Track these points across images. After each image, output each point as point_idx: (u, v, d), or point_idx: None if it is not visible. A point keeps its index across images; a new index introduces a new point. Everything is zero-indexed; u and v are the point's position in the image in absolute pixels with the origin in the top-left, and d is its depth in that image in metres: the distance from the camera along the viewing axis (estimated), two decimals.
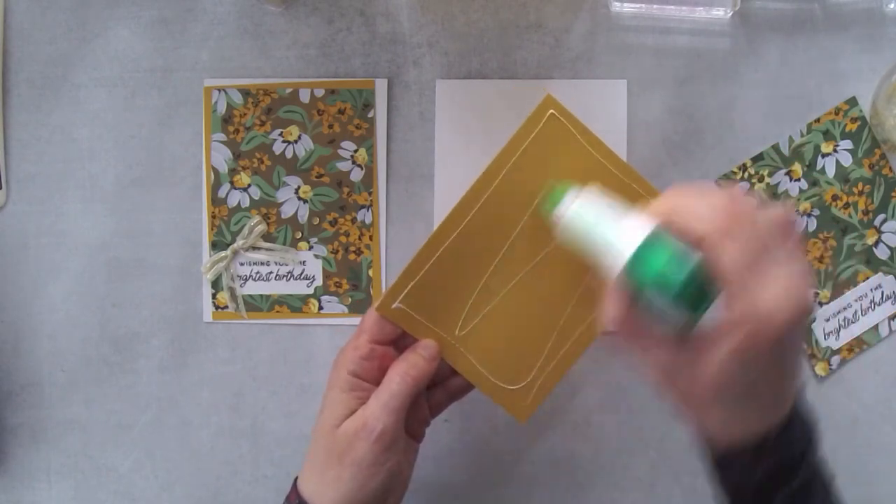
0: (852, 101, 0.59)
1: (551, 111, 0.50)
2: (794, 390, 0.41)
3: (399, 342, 0.50)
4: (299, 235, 0.60)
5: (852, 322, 0.59)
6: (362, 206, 0.60)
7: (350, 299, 0.60)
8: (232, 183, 0.60)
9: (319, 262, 0.60)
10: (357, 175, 0.60)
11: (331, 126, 0.60)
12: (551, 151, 0.50)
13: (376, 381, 0.47)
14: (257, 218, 0.60)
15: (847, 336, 0.59)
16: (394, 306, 0.49)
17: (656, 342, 0.40)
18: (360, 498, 0.45)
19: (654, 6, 0.58)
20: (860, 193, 0.59)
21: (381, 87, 0.60)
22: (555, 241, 0.50)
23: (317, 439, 0.47)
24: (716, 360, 0.37)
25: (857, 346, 0.59)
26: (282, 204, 0.60)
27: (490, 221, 0.50)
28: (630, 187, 0.50)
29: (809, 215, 0.59)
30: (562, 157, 0.50)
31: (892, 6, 0.58)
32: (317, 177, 0.60)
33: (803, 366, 0.45)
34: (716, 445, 0.42)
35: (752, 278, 0.35)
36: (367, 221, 0.60)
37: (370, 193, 0.60)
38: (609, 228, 0.42)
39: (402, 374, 0.47)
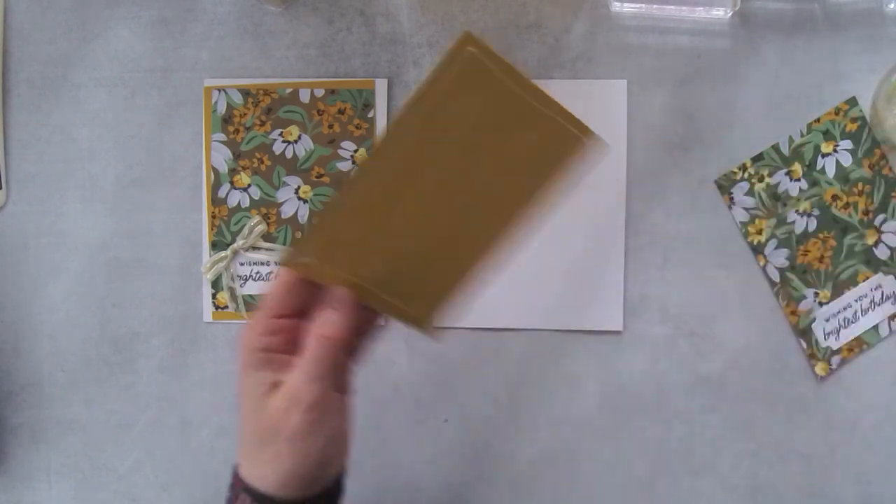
0: (852, 101, 0.59)
1: (470, 49, 0.48)
2: None
3: (307, 310, 0.47)
4: (299, 235, 0.60)
5: (852, 322, 0.59)
6: None
7: None
8: (232, 183, 0.60)
9: None
10: None
11: (331, 126, 0.60)
12: (472, 92, 0.48)
13: (289, 350, 0.45)
14: (257, 218, 0.60)
15: (847, 336, 0.59)
16: (301, 260, 0.47)
17: None
18: (303, 470, 0.44)
19: (654, 6, 0.58)
20: (860, 193, 0.59)
21: (381, 87, 0.60)
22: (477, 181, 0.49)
23: (246, 421, 0.45)
24: None
25: (857, 346, 0.59)
26: (282, 204, 0.60)
27: (402, 165, 0.48)
28: (560, 126, 0.48)
29: (809, 215, 0.59)
30: (485, 99, 0.48)
31: (892, 6, 0.58)
32: (317, 177, 0.60)
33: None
34: None
35: None
36: None
37: None
38: None
39: (319, 337, 0.44)
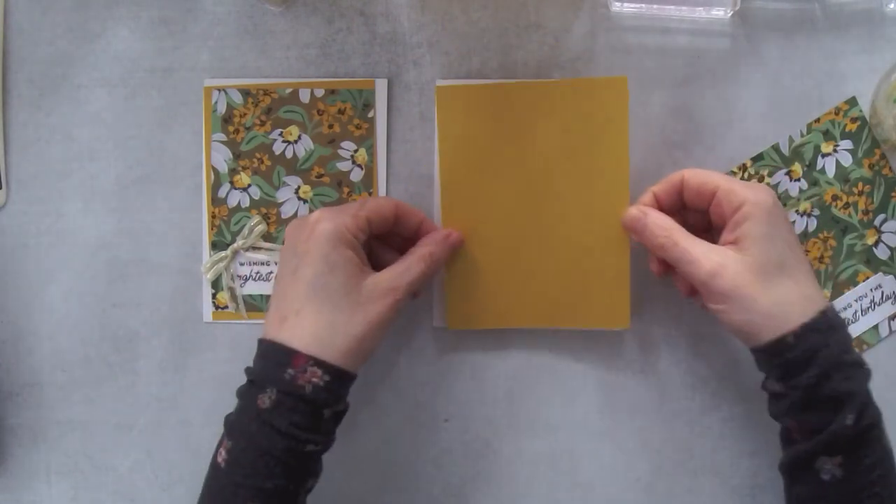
0: (852, 101, 0.59)
1: (445, 99, 0.57)
2: (817, 287, 0.50)
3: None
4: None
5: (852, 322, 0.59)
6: None
7: None
8: (232, 183, 0.60)
9: None
10: (357, 175, 0.60)
11: (331, 126, 0.60)
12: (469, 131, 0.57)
13: (362, 252, 0.52)
14: (257, 218, 0.60)
15: None
16: (464, 316, 0.58)
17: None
18: (366, 346, 0.50)
19: (654, 6, 0.58)
20: (860, 193, 0.59)
21: (381, 87, 0.60)
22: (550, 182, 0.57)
23: (327, 292, 0.49)
24: (750, 238, 0.49)
25: (857, 346, 0.59)
26: (282, 204, 0.60)
27: (475, 214, 0.58)
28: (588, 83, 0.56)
29: (809, 215, 0.59)
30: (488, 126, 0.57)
31: (892, 6, 0.58)
32: (317, 177, 0.60)
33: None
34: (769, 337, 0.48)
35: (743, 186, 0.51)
36: None
37: (370, 194, 0.60)
38: None
39: (427, 254, 0.53)
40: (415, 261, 0.53)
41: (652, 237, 0.52)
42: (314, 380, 0.48)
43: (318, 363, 0.48)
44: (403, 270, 0.52)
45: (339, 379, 0.49)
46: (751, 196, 0.49)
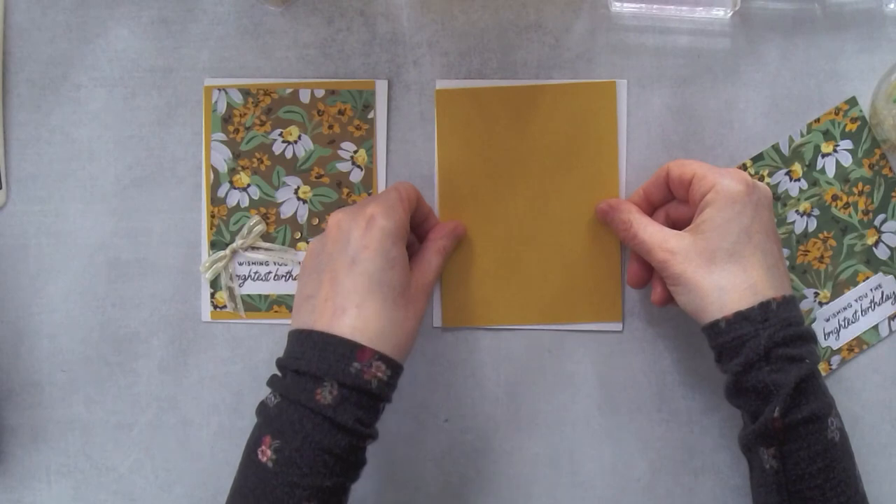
0: (852, 101, 0.59)
1: (445, 101, 0.59)
2: (786, 278, 0.51)
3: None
4: (298, 236, 0.60)
5: (852, 322, 0.59)
6: None
7: None
8: (231, 183, 0.60)
9: None
10: (357, 176, 0.60)
11: (331, 127, 0.60)
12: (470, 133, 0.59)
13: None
14: (256, 218, 0.60)
15: (847, 336, 0.59)
16: (459, 316, 0.59)
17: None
18: (414, 338, 0.51)
19: (654, 6, 0.58)
20: (860, 193, 0.59)
21: (381, 88, 0.60)
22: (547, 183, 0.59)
23: (389, 286, 0.50)
24: (707, 223, 0.50)
25: (857, 346, 0.59)
26: (281, 204, 0.60)
27: (474, 213, 0.59)
28: (577, 87, 0.59)
29: (809, 215, 0.59)
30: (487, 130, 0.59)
31: (892, 6, 0.58)
32: (316, 177, 0.60)
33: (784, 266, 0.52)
34: (718, 316, 0.49)
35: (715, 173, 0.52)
36: None
37: (370, 194, 0.60)
38: None
39: (441, 248, 0.56)
40: (433, 255, 0.55)
41: (616, 231, 0.56)
42: (379, 374, 0.48)
43: (382, 358, 0.48)
44: (427, 266, 0.55)
45: (396, 373, 0.50)
46: (718, 182, 0.50)
